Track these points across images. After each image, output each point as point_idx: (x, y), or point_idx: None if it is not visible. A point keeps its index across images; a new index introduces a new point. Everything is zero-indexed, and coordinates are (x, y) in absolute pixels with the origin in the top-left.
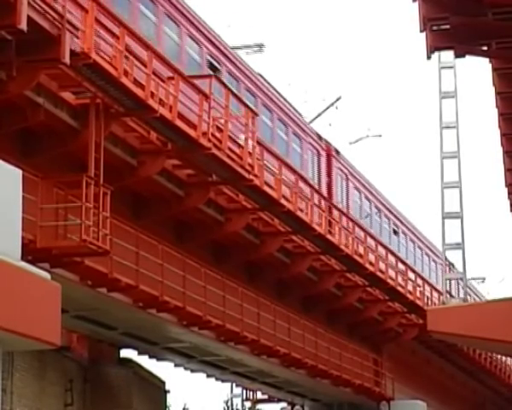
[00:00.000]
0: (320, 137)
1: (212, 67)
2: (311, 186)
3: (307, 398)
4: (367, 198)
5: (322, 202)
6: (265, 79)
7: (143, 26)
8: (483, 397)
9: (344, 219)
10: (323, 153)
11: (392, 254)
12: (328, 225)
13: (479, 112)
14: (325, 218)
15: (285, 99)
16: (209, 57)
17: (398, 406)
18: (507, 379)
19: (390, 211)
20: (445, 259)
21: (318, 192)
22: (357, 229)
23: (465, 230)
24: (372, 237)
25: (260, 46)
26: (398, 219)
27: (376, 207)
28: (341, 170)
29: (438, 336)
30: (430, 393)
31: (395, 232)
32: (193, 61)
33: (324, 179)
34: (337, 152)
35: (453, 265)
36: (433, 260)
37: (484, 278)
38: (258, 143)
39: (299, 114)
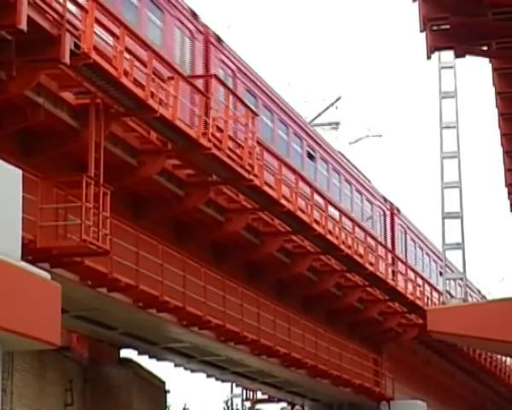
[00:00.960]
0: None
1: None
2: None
3: (307, 398)
4: None
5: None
6: (345, 156)
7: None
8: (483, 397)
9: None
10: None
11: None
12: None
13: (479, 112)
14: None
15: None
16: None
17: (398, 406)
18: (507, 379)
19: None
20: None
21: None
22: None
23: (465, 230)
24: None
25: (337, 123)
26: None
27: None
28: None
29: (438, 336)
30: (430, 393)
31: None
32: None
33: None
34: (398, 211)
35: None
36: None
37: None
38: (258, 143)
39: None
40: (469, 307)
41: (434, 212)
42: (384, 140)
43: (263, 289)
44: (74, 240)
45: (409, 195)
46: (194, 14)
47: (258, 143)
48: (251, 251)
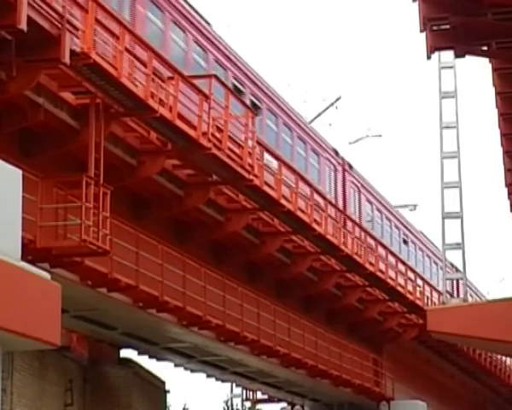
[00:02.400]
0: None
1: None
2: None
3: (307, 398)
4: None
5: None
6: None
7: None
8: (483, 397)
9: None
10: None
11: (393, 254)
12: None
13: (479, 112)
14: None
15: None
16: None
17: (398, 406)
18: (507, 379)
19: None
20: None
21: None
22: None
23: (465, 230)
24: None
25: (415, 206)
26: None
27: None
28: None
29: (438, 336)
30: (430, 393)
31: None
32: None
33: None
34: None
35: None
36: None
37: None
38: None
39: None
40: (469, 307)
41: (434, 212)
42: (384, 140)
43: (263, 290)
44: (74, 240)
45: (409, 195)
46: (336, 151)
47: (258, 143)
48: (251, 251)
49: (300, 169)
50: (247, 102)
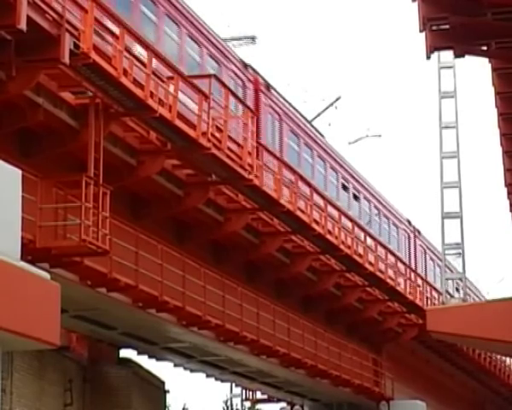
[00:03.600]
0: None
1: None
2: None
3: (307, 398)
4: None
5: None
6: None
7: None
8: (483, 397)
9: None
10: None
11: (392, 253)
12: None
13: (479, 112)
14: None
15: None
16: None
17: (397, 406)
18: (507, 379)
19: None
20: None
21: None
22: None
23: (465, 230)
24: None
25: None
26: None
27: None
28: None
29: (437, 336)
30: (430, 393)
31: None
32: None
33: None
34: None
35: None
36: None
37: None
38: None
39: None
40: (469, 307)
41: (434, 212)
42: (384, 140)
43: (262, 289)
44: (74, 240)
45: (409, 195)
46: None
47: (258, 143)
48: (251, 251)
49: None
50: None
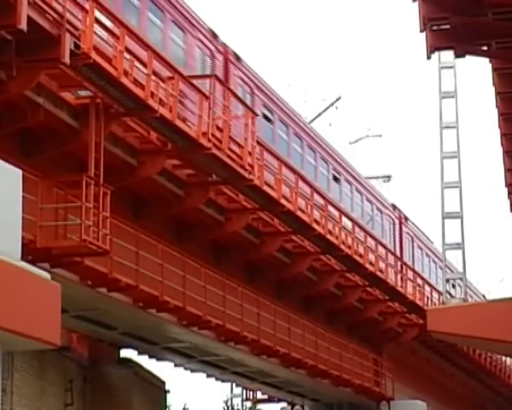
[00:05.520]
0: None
1: None
2: None
3: (307, 398)
4: None
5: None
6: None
7: None
8: (483, 397)
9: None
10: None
11: (391, 252)
12: None
13: (479, 112)
14: None
15: None
16: None
17: (398, 406)
18: (507, 379)
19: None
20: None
21: None
22: None
23: (465, 230)
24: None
25: (388, 177)
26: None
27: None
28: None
29: (438, 336)
30: (430, 393)
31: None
32: None
33: None
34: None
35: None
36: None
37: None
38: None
39: None
40: (469, 307)
41: (434, 212)
42: (384, 140)
43: (263, 289)
44: (74, 240)
45: (409, 195)
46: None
47: (258, 142)
48: (251, 251)
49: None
50: None
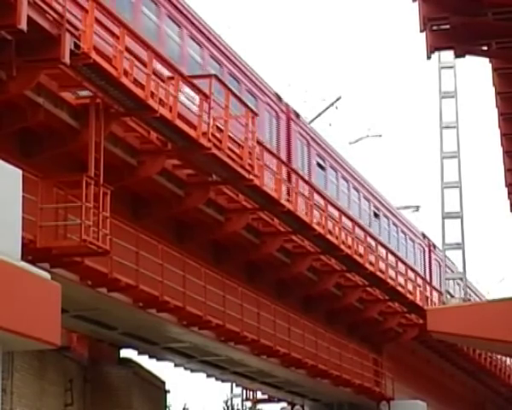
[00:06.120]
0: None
1: None
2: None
3: (307, 398)
4: None
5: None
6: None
7: None
8: (483, 397)
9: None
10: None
11: (392, 253)
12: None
13: (479, 112)
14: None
15: None
16: None
17: (398, 406)
18: (507, 379)
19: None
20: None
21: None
22: None
23: (465, 230)
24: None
25: (417, 207)
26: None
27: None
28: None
29: (438, 336)
30: (430, 393)
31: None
32: None
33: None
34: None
35: (435, 246)
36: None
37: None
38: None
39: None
40: (469, 307)
41: (434, 212)
42: (384, 140)
43: (263, 289)
44: (74, 240)
45: (409, 195)
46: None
47: (259, 143)
48: (251, 251)
49: None
50: None
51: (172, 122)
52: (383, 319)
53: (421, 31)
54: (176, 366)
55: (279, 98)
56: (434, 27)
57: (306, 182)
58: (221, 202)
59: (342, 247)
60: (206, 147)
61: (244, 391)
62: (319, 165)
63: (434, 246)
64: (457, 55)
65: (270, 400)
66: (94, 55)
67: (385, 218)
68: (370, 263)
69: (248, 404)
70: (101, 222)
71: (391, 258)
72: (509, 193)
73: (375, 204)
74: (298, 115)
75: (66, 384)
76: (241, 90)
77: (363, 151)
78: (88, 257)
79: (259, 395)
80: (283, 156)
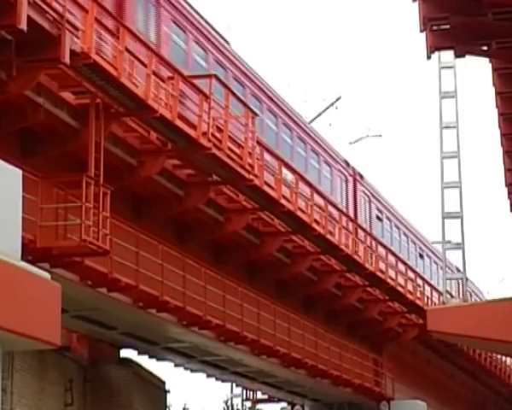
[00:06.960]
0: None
1: None
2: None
3: (307, 398)
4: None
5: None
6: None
7: None
8: (483, 397)
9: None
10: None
11: (392, 253)
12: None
13: (479, 112)
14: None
15: None
16: None
17: (398, 406)
18: (507, 379)
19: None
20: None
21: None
22: None
23: (465, 230)
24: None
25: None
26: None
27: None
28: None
29: (438, 336)
30: (430, 393)
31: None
32: None
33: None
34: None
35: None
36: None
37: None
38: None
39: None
40: (469, 307)
41: (434, 212)
42: (384, 140)
43: (263, 289)
44: (74, 240)
45: (409, 195)
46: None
47: (259, 143)
48: (251, 251)
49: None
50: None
51: (172, 122)
52: (383, 319)
53: (421, 31)
54: (176, 366)
55: (347, 164)
56: (434, 27)
57: (369, 234)
58: (221, 202)
59: (342, 247)
60: (206, 147)
61: (244, 391)
62: (378, 218)
63: (361, 176)
64: (457, 55)
65: (270, 400)
66: (94, 55)
67: (428, 258)
68: (370, 263)
69: (248, 404)
70: (101, 222)
71: (391, 258)
72: (509, 193)
73: (420, 247)
74: (362, 176)
75: (66, 384)
76: (320, 162)
77: (363, 151)
78: (88, 257)
79: (259, 395)
80: (351, 212)
